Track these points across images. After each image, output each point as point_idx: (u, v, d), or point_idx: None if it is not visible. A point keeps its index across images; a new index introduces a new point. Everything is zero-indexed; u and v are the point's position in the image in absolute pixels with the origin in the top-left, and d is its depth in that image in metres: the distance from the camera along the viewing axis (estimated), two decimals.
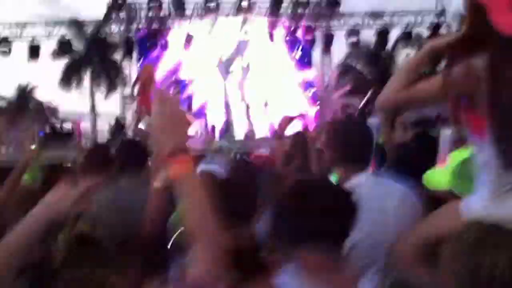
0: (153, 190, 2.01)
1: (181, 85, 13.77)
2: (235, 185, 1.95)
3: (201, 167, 2.66)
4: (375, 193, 1.85)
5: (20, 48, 15.21)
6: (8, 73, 21.39)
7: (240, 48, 13.05)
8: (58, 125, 11.96)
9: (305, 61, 15.41)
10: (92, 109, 17.96)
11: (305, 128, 3.96)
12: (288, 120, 4.24)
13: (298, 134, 3.77)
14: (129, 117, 14.88)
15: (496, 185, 1.46)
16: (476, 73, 1.42)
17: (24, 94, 21.59)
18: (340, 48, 16.55)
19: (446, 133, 2.11)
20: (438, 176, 1.97)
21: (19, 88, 21.59)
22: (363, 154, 2.00)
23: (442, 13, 16.46)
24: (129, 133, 12.91)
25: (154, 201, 2.06)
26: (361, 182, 1.88)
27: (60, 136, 10.37)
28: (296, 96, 14.97)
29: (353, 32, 15.53)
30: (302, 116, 4.22)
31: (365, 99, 9.66)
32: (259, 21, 14.90)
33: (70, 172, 3.65)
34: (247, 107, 12.52)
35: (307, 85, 15.18)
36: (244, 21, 14.72)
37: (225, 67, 12.29)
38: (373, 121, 2.18)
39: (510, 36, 1.40)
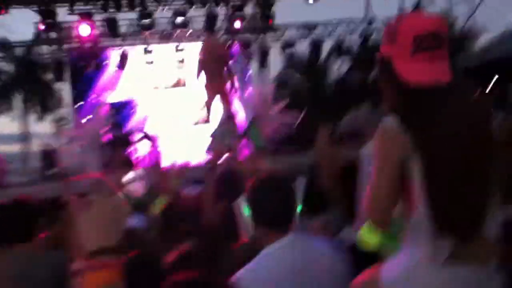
0: None
1: (116, 106, 13.42)
2: None
3: None
4: (297, 258, 1.80)
5: None
6: None
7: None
8: None
9: (244, 77, 15.54)
10: (24, 132, 17.27)
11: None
12: (222, 151, 4.24)
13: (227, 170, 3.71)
14: (63, 141, 14.37)
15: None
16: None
17: None
18: (276, 62, 16.83)
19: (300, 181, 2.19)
20: (369, 235, 1.89)
21: None
22: (280, 219, 1.89)
23: (371, 21, 17.18)
24: (63, 159, 12.46)
25: None
26: (282, 247, 1.81)
27: None
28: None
29: (288, 44, 15.87)
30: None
31: (300, 117, 9.85)
32: (193, 45, 14.92)
33: None
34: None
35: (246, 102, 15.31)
36: (178, 47, 14.61)
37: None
38: (300, 181, 2.19)
39: (413, 84, 1.38)
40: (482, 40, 16.17)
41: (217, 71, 8.82)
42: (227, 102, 9.06)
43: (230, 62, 10.25)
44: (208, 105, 9.24)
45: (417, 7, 17.18)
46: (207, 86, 8.98)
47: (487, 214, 1.35)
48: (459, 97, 1.40)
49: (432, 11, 16.83)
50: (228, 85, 9.18)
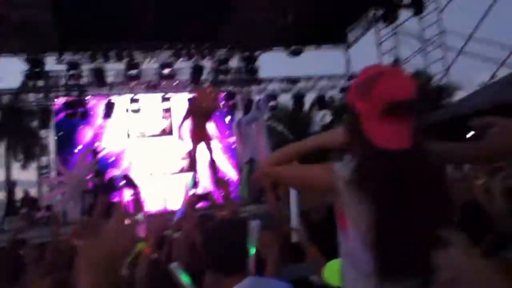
0: None
1: (100, 155, 13.50)
2: None
3: None
4: None
5: None
6: None
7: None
8: None
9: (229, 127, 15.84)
10: (8, 178, 17.05)
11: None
12: (198, 198, 4.28)
13: (204, 215, 3.78)
14: (45, 188, 14.26)
15: None
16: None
17: None
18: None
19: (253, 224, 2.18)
20: (333, 271, 1.91)
21: None
22: (232, 262, 1.80)
23: (351, 77, 17.78)
24: (43, 204, 12.37)
25: None
26: None
27: None
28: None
29: (272, 96, 16.30)
30: (207, 195, 4.31)
31: None
32: (180, 95, 15.27)
33: None
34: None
35: (231, 150, 15.55)
36: (165, 97, 14.93)
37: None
38: (254, 224, 2.17)
39: (379, 146, 1.36)
40: (457, 97, 16.72)
41: (203, 120, 9.05)
42: (209, 150, 9.36)
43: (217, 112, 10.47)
44: (193, 153, 9.49)
45: (394, 66, 17.91)
46: (192, 134, 9.14)
47: (432, 255, 1.33)
48: (417, 160, 1.39)
49: (409, 71, 17.55)
50: (212, 134, 9.54)
